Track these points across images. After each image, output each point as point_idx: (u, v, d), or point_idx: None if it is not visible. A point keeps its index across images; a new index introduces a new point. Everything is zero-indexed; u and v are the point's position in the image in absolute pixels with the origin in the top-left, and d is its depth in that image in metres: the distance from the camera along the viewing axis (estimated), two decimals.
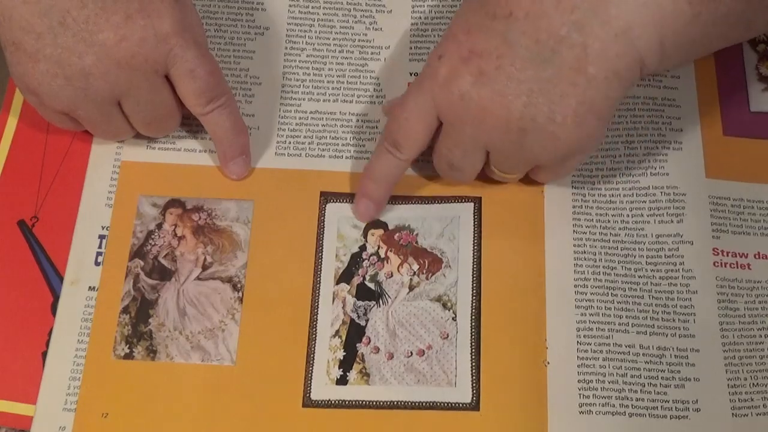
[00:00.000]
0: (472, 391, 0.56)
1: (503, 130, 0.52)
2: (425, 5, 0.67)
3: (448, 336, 0.57)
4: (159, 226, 0.60)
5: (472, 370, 0.56)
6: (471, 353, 0.57)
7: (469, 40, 0.53)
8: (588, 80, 0.50)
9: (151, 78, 0.55)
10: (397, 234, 0.60)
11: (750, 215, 0.60)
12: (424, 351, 0.57)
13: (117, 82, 0.55)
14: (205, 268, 0.59)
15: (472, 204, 0.60)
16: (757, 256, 0.59)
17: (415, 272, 0.59)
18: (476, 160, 0.56)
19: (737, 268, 0.59)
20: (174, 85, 0.57)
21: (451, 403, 0.56)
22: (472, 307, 0.58)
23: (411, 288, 0.58)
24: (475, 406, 0.55)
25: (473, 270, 0.59)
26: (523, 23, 0.51)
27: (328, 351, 0.57)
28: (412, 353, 0.57)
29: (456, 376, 0.56)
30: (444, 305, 0.58)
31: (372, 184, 0.59)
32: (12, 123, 0.63)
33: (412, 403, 0.56)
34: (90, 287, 0.58)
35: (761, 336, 0.57)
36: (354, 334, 0.57)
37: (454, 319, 0.58)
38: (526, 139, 0.52)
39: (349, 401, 0.56)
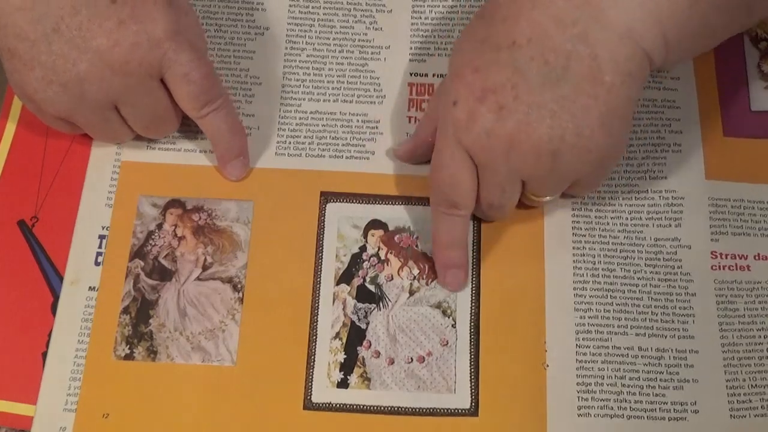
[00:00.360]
0: (471, 397, 0.56)
1: (535, 156, 0.52)
2: (425, 5, 0.67)
3: (447, 343, 0.57)
4: (159, 226, 0.60)
5: (471, 377, 0.56)
6: (470, 360, 0.57)
7: (479, 78, 0.52)
8: (606, 89, 0.50)
9: (146, 82, 0.55)
10: (398, 236, 0.60)
11: (750, 216, 0.60)
12: (424, 358, 0.57)
13: (112, 87, 0.55)
14: (205, 268, 0.59)
15: None
16: (757, 257, 0.59)
17: (415, 277, 0.59)
18: (514, 194, 0.55)
19: (736, 269, 0.59)
20: (169, 88, 0.57)
21: (451, 409, 0.56)
22: (471, 313, 0.58)
23: (411, 293, 0.59)
24: (474, 411, 0.56)
25: (473, 275, 0.59)
26: (528, 48, 0.51)
27: (329, 353, 0.57)
28: (412, 359, 0.57)
29: (455, 382, 0.56)
30: (444, 312, 0.58)
31: (448, 251, 0.58)
32: (12, 123, 0.63)
33: (412, 409, 0.56)
34: (90, 287, 0.58)
35: (761, 337, 0.57)
36: (354, 336, 0.57)
37: (453, 326, 0.58)
38: (560, 160, 0.52)
39: (349, 405, 0.56)
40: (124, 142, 0.62)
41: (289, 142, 0.63)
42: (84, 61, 0.54)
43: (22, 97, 0.57)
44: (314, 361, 0.57)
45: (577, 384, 0.56)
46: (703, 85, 0.64)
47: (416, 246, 0.60)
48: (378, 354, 0.57)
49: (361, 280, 0.59)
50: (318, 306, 0.58)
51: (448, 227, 0.57)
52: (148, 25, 0.54)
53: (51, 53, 0.53)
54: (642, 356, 0.57)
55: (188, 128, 0.62)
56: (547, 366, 0.56)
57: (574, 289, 0.58)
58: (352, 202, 0.61)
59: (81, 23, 0.53)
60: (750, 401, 0.56)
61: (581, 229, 0.60)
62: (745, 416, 0.55)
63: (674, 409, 0.56)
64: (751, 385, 0.56)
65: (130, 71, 0.54)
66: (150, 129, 0.59)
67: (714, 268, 0.59)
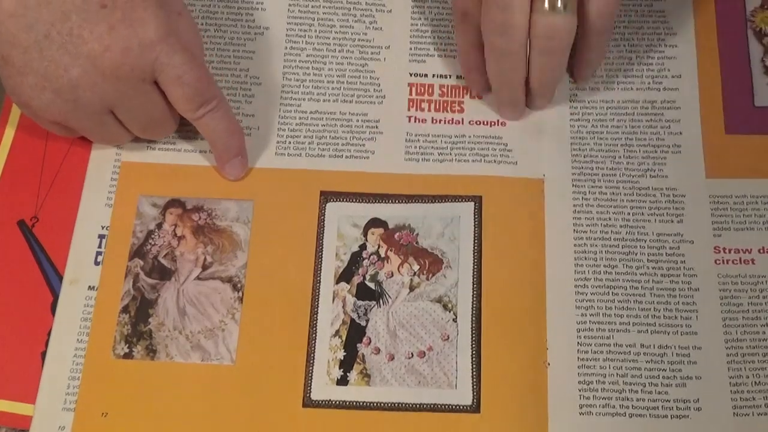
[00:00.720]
0: (473, 393, 0.56)
1: None
2: (425, 5, 0.67)
3: (448, 338, 0.57)
4: (159, 225, 0.60)
5: (472, 372, 0.56)
6: (471, 355, 0.57)
7: None
8: None
9: (140, 86, 0.55)
10: (398, 233, 0.60)
11: (754, 211, 0.60)
12: (424, 352, 0.57)
13: (105, 92, 0.55)
14: (205, 267, 0.59)
15: (473, 203, 0.60)
16: (761, 251, 0.59)
17: (415, 272, 0.59)
18: None
19: (740, 264, 0.59)
20: (163, 91, 0.56)
21: (452, 405, 0.55)
22: (472, 308, 0.58)
23: (411, 288, 0.58)
24: (475, 408, 0.55)
25: (474, 271, 0.59)
26: None
27: (329, 351, 0.57)
28: (412, 354, 0.57)
29: (456, 378, 0.56)
30: (445, 306, 0.58)
31: (464, 57, 0.62)
32: (12, 122, 0.63)
33: (412, 405, 0.55)
34: (90, 287, 0.58)
35: (765, 333, 0.57)
36: (354, 334, 0.57)
37: (454, 320, 0.57)
38: None
39: (349, 402, 0.56)
40: (122, 144, 0.62)
41: (289, 142, 0.63)
42: (76, 67, 0.53)
43: (18, 103, 0.57)
44: (314, 358, 0.56)
45: (579, 382, 0.56)
46: (705, 83, 0.64)
47: (416, 242, 0.59)
48: (378, 350, 0.57)
49: (361, 278, 0.59)
50: (318, 304, 0.58)
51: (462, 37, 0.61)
52: (138, 28, 0.54)
53: (43, 60, 0.53)
54: (644, 353, 0.56)
55: (187, 128, 0.62)
56: (549, 364, 0.56)
57: (576, 286, 0.58)
58: (352, 201, 0.61)
59: (71, 29, 0.53)
60: (753, 399, 0.55)
61: (582, 225, 0.60)
62: (748, 414, 0.55)
63: (677, 407, 0.55)
64: (755, 383, 0.55)
65: (122, 76, 0.54)
66: (147, 131, 0.59)
67: (718, 262, 0.59)
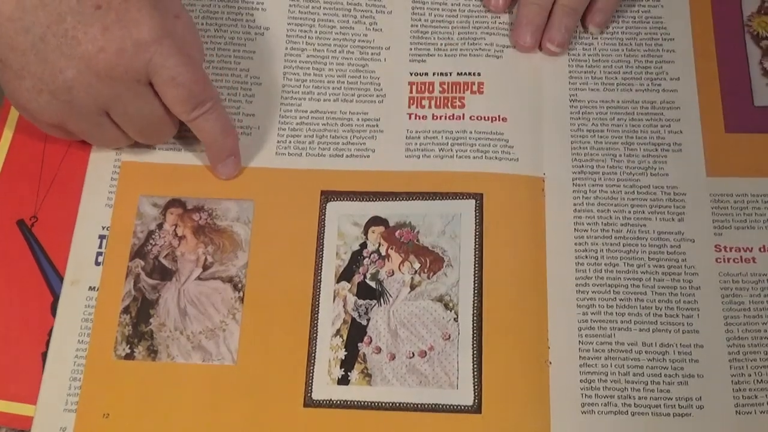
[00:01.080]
0: (474, 393, 0.55)
1: None
2: (425, 6, 0.67)
3: (449, 337, 0.57)
4: (159, 226, 0.60)
5: (473, 372, 0.56)
6: (472, 355, 0.56)
7: None
8: None
9: (134, 87, 0.55)
10: (398, 231, 0.60)
11: (755, 209, 0.60)
12: (426, 352, 0.57)
13: (100, 93, 0.54)
14: (205, 267, 0.59)
15: (474, 201, 0.60)
16: (762, 250, 0.59)
17: (416, 271, 0.59)
18: None
19: (741, 262, 0.59)
20: (158, 92, 0.56)
21: (453, 405, 0.55)
22: (473, 307, 0.58)
23: (412, 287, 0.58)
24: (477, 408, 0.55)
25: (474, 270, 0.58)
26: None
27: (329, 350, 0.57)
28: (414, 354, 0.57)
29: (458, 378, 0.56)
30: (446, 306, 0.58)
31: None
32: (12, 121, 0.63)
33: (413, 404, 0.55)
34: (90, 287, 0.58)
35: (766, 331, 0.57)
36: (355, 333, 0.57)
37: (455, 320, 0.57)
38: None
39: (350, 401, 0.55)
40: (121, 147, 0.62)
41: (290, 142, 0.63)
42: (71, 68, 0.53)
43: (16, 107, 0.57)
44: (315, 358, 0.56)
45: (581, 381, 0.56)
46: (704, 85, 0.65)
47: (417, 240, 0.59)
48: (379, 350, 0.57)
49: (362, 277, 0.59)
50: (318, 304, 0.58)
51: None
52: (132, 29, 0.54)
53: (39, 62, 0.53)
54: (646, 352, 0.56)
55: (187, 129, 0.61)
56: (550, 363, 0.56)
57: (576, 285, 0.58)
58: (353, 200, 0.61)
59: (66, 31, 0.53)
60: (756, 397, 0.55)
61: (583, 223, 0.60)
62: (750, 412, 0.55)
63: (679, 405, 0.55)
64: (757, 381, 0.55)
65: (116, 77, 0.54)
66: (144, 134, 0.59)
67: (719, 260, 0.59)
